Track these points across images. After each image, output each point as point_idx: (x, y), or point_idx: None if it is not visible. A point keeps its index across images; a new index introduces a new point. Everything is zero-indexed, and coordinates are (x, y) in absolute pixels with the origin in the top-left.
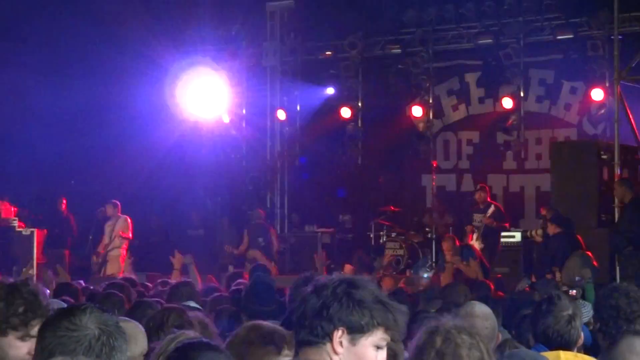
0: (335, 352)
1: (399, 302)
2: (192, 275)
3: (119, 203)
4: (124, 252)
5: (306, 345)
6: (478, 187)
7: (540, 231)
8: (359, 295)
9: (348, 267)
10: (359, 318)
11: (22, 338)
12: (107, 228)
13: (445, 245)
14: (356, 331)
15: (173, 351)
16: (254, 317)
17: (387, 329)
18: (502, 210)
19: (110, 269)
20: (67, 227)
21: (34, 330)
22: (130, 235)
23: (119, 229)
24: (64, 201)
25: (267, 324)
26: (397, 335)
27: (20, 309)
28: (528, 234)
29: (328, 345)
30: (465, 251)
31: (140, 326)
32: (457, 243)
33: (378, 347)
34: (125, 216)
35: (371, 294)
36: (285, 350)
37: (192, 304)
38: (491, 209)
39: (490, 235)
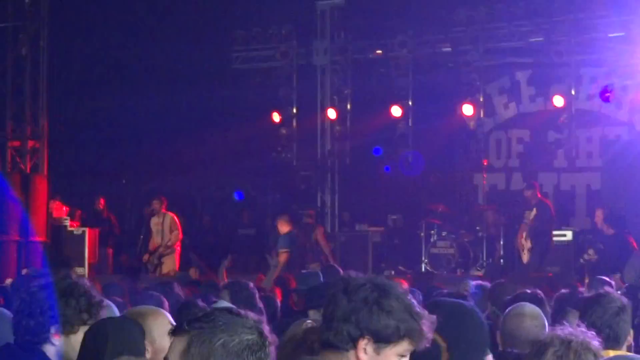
0: (358, 359)
1: None
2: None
3: (164, 199)
4: (178, 248)
5: (329, 347)
6: (525, 185)
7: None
8: (389, 304)
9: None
10: (386, 328)
11: None
12: (155, 226)
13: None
14: (382, 341)
15: None
16: None
17: (412, 340)
18: (550, 210)
19: (165, 268)
20: (108, 226)
21: None
22: (180, 234)
23: (168, 228)
24: (102, 200)
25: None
26: (423, 344)
27: (85, 305)
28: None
29: (351, 352)
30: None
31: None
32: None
33: (402, 356)
34: (171, 214)
35: (402, 304)
36: None
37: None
38: (533, 213)
39: (540, 234)
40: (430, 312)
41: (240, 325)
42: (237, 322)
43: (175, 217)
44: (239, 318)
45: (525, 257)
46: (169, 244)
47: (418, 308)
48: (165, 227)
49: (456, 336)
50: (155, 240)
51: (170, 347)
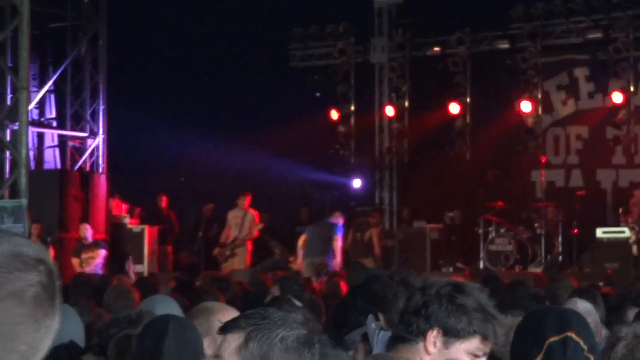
0: (428, 352)
1: None
2: None
3: (249, 195)
4: (250, 246)
5: (400, 341)
6: (633, 185)
7: None
8: (462, 300)
9: None
10: (456, 322)
11: None
12: (233, 219)
13: None
14: (451, 335)
15: None
16: None
17: (484, 339)
18: None
19: (236, 264)
20: (168, 224)
21: None
22: (256, 232)
23: (248, 223)
24: (164, 198)
25: None
26: (496, 346)
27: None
28: None
29: (421, 344)
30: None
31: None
32: None
33: (475, 356)
34: (254, 211)
35: (475, 301)
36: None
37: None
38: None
39: None
40: (558, 317)
41: (293, 321)
42: (290, 318)
43: (257, 215)
44: (289, 314)
45: (635, 249)
46: (245, 238)
47: (492, 309)
48: (246, 222)
49: (592, 340)
50: (232, 232)
51: (222, 344)
